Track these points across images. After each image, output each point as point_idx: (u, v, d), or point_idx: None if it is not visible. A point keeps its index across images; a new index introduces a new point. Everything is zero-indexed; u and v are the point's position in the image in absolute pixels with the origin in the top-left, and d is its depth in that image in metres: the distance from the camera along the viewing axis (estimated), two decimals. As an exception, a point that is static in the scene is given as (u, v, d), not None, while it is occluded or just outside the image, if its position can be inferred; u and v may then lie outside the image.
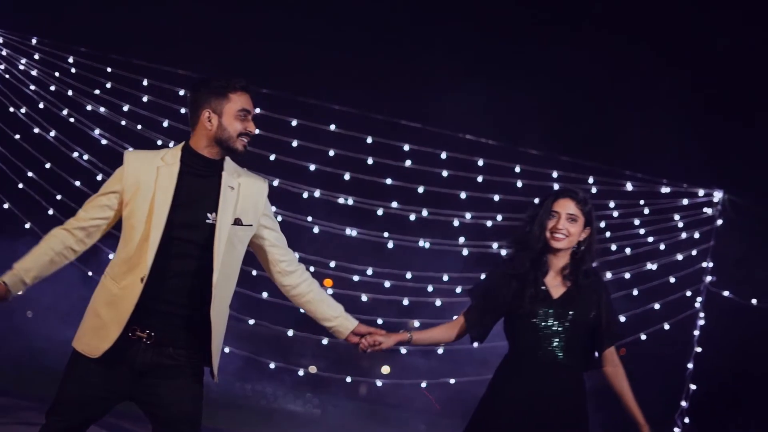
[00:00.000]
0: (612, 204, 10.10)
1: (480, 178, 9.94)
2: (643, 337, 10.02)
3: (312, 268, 9.95)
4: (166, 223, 3.82)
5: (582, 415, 4.41)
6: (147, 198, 3.85)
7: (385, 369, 13.36)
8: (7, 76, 9.78)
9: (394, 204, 9.89)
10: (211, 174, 3.96)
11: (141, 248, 3.82)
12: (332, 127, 9.79)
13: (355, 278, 9.85)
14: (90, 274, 9.65)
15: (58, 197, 9.71)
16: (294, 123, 9.76)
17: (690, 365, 9.80)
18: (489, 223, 9.98)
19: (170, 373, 3.87)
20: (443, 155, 9.94)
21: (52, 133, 9.74)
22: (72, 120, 9.73)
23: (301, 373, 10.24)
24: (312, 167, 9.87)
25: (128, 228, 3.87)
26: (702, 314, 9.91)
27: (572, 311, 4.35)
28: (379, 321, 10.06)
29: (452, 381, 10.13)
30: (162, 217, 3.82)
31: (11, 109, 9.77)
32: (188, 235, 3.87)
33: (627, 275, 10.05)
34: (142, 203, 3.85)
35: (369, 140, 9.88)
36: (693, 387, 9.73)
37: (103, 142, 9.69)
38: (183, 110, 9.57)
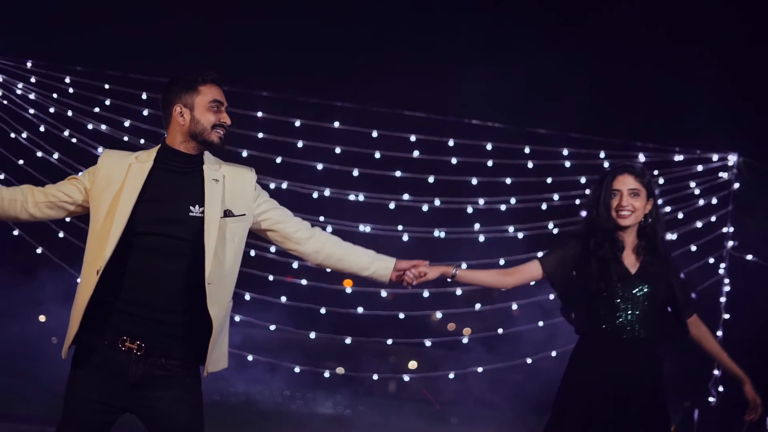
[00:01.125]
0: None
1: (490, 163, 9.83)
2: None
3: (329, 270, 9.82)
4: (134, 219, 3.73)
5: (661, 389, 4.46)
6: (114, 193, 3.78)
7: (413, 364, 13.27)
8: (5, 102, 9.70)
9: (406, 196, 9.78)
10: (191, 169, 3.89)
11: (101, 242, 3.73)
12: (336, 124, 9.70)
13: (372, 275, 9.72)
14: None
15: (68, 219, 9.62)
16: (297, 123, 9.67)
17: (719, 333, 9.65)
18: (503, 207, 9.86)
19: (165, 384, 3.77)
20: (451, 143, 9.84)
21: (56, 155, 9.66)
22: (74, 140, 9.65)
23: (327, 374, 10.15)
24: (319, 166, 9.78)
25: (92, 221, 3.81)
26: (727, 280, 9.77)
27: (648, 286, 4.40)
28: (401, 315, 9.97)
29: (480, 369, 10.02)
30: (125, 211, 3.73)
31: (12, 135, 9.69)
32: (173, 230, 3.78)
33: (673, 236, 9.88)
34: (107, 198, 3.78)
35: (374, 134, 9.77)
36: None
37: (107, 160, 9.57)
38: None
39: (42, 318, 12.46)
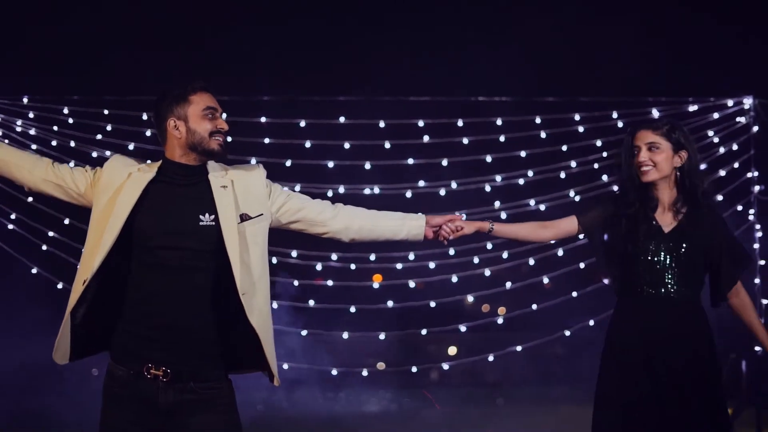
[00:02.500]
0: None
1: (502, 138, 9.66)
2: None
3: (353, 266, 9.73)
4: (131, 232, 3.59)
5: (706, 349, 4.31)
6: (109, 199, 3.66)
7: (452, 350, 13.15)
8: (6, 141, 9.59)
9: (421, 183, 9.63)
10: (195, 181, 3.76)
11: (92, 251, 3.59)
12: (342, 119, 9.55)
13: (399, 266, 9.61)
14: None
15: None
16: (303, 124, 9.54)
17: (757, 280, 9.46)
18: (521, 181, 9.70)
19: (198, 408, 3.62)
20: (460, 123, 9.67)
21: (64, 188, 9.53)
22: (80, 170, 9.52)
23: (365, 373, 10.03)
24: (330, 164, 9.65)
25: (89, 231, 3.68)
26: (758, 226, 9.58)
27: (685, 244, 4.25)
28: (432, 304, 9.84)
29: (519, 348, 9.86)
30: (119, 219, 3.59)
31: (18, 173, 9.56)
32: (187, 243, 3.63)
33: (719, 197, 9.68)
34: (105, 205, 3.66)
35: (381, 124, 9.63)
36: (765, 302, 9.39)
37: (117, 185, 9.47)
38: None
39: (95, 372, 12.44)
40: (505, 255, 9.65)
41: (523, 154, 9.71)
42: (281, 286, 9.54)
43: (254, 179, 3.87)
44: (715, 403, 4.29)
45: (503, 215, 9.65)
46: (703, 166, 9.68)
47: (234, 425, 3.70)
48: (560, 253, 9.66)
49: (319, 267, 9.46)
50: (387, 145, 9.60)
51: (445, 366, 9.91)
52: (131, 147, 9.48)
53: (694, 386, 4.25)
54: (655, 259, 4.27)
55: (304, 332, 9.79)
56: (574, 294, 9.67)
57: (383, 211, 4.09)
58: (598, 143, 9.73)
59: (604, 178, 9.71)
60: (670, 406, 4.24)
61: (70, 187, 3.75)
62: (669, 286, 4.26)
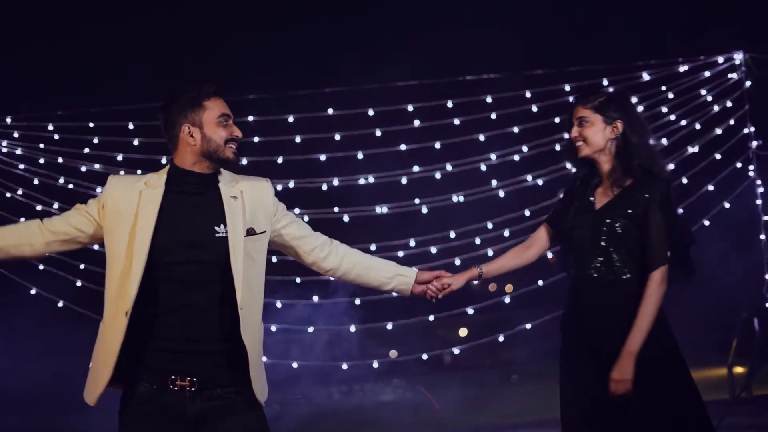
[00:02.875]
0: (634, 99, 9.64)
1: (494, 115, 9.55)
2: (707, 222, 9.59)
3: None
4: (154, 252, 3.50)
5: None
6: (128, 225, 3.54)
7: (463, 331, 13.10)
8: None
9: (416, 168, 9.53)
10: (207, 189, 3.67)
11: (123, 281, 3.49)
12: (330, 111, 9.44)
13: (400, 254, 9.51)
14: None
15: (82, 266, 9.44)
16: (291, 119, 9.43)
17: (762, 236, 9.36)
18: (516, 158, 9.59)
19: (225, 413, 3.55)
20: (449, 104, 9.56)
21: (56, 205, 9.45)
22: (71, 186, 9.44)
23: (375, 365, 9.95)
24: (322, 157, 9.54)
25: (110, 258, 3.57)
26: (759, 181, 9.48)
27: (608, 220, 4.05)
28: (431, 318, 9.80)
29: (528, 326, 9.78)
30: (144, 243, 3.50)
31: (8, 195, 9.49)
32: (200, 255, 3.55)
33: (671, 166, 9.59)
34: (122, 231, 3.54)
35: (371, 112, 9.52)
36: (774, 256, 9.31)
37: (109, 198, 9.38)
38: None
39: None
40: (507, 233, 9.55)
41: (516, 129, 9.60)
42: (282, 284, 9.45)
43: (263, 194, 3.79)
44: (660, 399, 4.04)
45: (501, 193, 9.56)
46: (698, 126, 9.69)
47: (262, 427, 3.66)
48: (552, 245, 9.54)
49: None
50: (378, 133, 9.50)
51: (456, 350, 9.82)
52: (119, 158, 9.38)
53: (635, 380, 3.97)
54: (583, 237, 4.10)
55: (310, 329, 9.71)
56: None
57: (378, 260, 4.08)
58: (591, 112, 9.60)
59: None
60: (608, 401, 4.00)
61: (75, 235, 3.65)
62: (594, 267, 4.06)
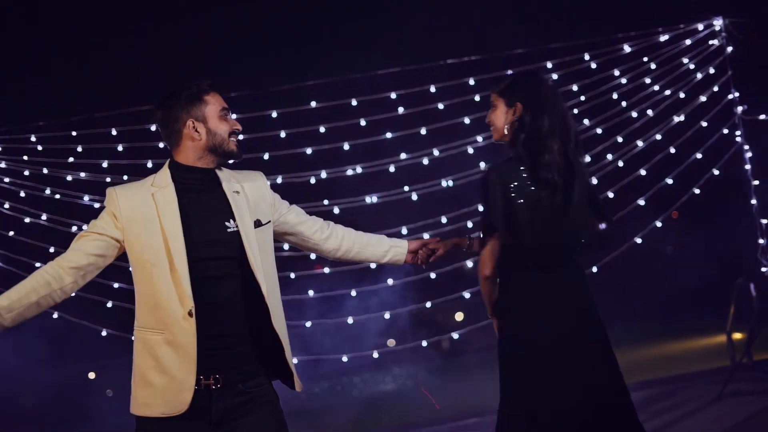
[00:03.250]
0: (617, 72, 9.63)
1: (477, 98, 9.50)
2: (697, 191, 9.59)
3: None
4: (186, 247, 3.50)
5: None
6: (155, 228, 3.53)
7: (459, 315, 13.09)
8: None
9: (403, 155, 9.49)
10: (210, 185, 3.70)
11: (174, 282, 3.48)
12: (313, 104, 9.40)
13: (393, 242, 9.47)
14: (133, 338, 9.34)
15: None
16: (274, 115, 9.38)
17: (753, 201, 9.36)
18: (503, 138, 9.54)
19: (247, 408, 3.56)
20: (432, 89, 9.52)
21: (44, 216, 9.40)
22: (57, 196, 9.38)
23: (376, 355, 9.94)
24: (309, 151, 9.49)
25: (146, 266, 3.53)
26: (747, 146, 9.47)
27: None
28: (433, 275, 9.73)
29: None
30: (179, 241, 3.50)
31: (-5, 210, 9.44)
32: (218, 251, 3.57)
33: (658, 136, 9.61)
34: (151, 236, 3.52)
35: (354, 102, 9.48)
36: (765, 221, 9.30)
37: (96, 205, 9.35)
38: (162, 144, 9.20)
39: (92, 375, 12.43)
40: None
41: (501, 110, 9.55)
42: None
43: (260, 186, 3.84)
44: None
45: (491, 175, 9.52)
46: (682, 95, 9.68)
47: (282, 423, 3.67)
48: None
49: (313, 256, 9.34)
50: (363, 122, 9.46)
51: (455, 335, 9.80)
52: (105, 164, 9.32)
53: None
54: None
55: (308, 323, 9.68)
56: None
57: (372, 236, 4.21)
58: (574, 87, 9.61)
59: (586, 122, 9.59)
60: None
61: (99, 262, 3.59)
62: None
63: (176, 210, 3.55)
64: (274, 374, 3.70)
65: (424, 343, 9.89)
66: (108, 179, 9.27)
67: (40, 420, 10.47)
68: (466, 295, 9.47)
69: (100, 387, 12.55)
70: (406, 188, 9.52)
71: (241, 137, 3.86)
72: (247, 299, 3.57)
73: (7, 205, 9.42)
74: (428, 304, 9.71)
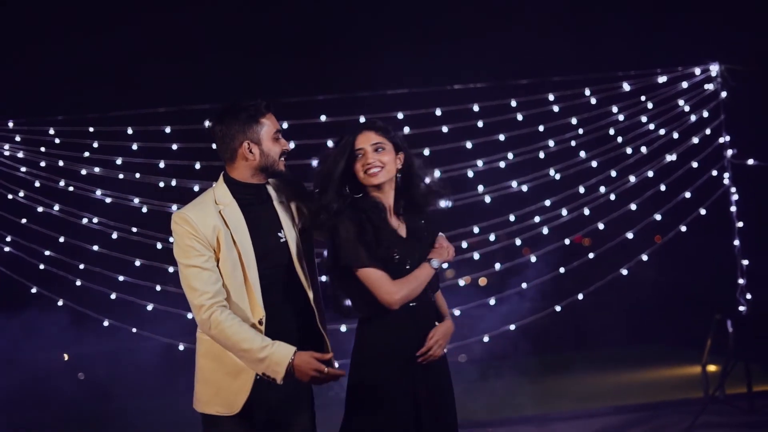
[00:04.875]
0: (615, 108, 10.01)
1: (480, 123, 9.86)
2: (683, 228, 9.97)
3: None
4: (256, 258, 3.82)
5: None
6: (230, 243, 3.80)
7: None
8: (-8, 173, 9.74)
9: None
10: (262, 198, 3.98)
11: (247, 292, 3.80)
12: (323, 118, 9.70)
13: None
14: (134, 330, 9.68)
15: (81, 266, 9.69)
16: (285, 126, 9.67)
17: (736, 242, 9.75)
18: (502, 164, 9.92)
19: (300, 408, 3.97)
20: (438, 112, 9.86)
21: (56, 207, 9.69)
22: (71, 189, 9.67)
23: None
24: (314, 163, 9.74)
25: (226, 279, 3.83)
26: (734, 189, 9.85)
27: (427, 247, 4.13)
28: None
29: (512, 327, 10.12)
30: (250, 254, 3.81)
31: (10, 196, 9.72)
32: (274, 261, 3.89)
33: (650, 173, 9.99)
34: (228, 250, 3.80)
35: (362, 119, 9.77)
36: (745, 262, 9.69)
37: (108, 200, 9.65)
38: (175, 146, 9.52)
39: (81, 375, 12.62)
40: (492, 237, 9.89)
41: (501, 137, 9.92)
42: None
43: (301, 193, 4.12)
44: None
45: (487, 199, 9.88)
46: (676, 135, 10.06)
47: (314, 423, 4.05)
48: (545, 231, 9.92)
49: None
50: (370, 140, 9.71)
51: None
52: (119, 161, 9.61)
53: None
54: (409, 267, 4.05)
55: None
56: (562, 270, 9.94)
57: None
58: (573, 121, 9.96)
59: (582, 154, 9.96)
60: None
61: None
62: (425, 292, 4.09)
63: (244, 225, 3.84)
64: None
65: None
66: (121, 176, 9.58)
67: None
68: (457, 312, 9.81)
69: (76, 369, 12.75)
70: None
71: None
72: (296, 303, 3.90)
73: (21, 194, 9.71)
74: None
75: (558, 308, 9.95)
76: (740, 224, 9.77)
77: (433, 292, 4.19)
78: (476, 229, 9.89)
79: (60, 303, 9.61)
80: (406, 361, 3.99)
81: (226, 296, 3.80)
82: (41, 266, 9.70)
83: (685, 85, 10.04)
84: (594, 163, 9.98)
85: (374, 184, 4.05)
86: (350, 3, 11.54)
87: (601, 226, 9.91)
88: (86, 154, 9.64)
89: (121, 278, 9.56)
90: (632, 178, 9.94)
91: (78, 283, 9.66)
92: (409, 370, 3.99)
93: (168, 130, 9.51)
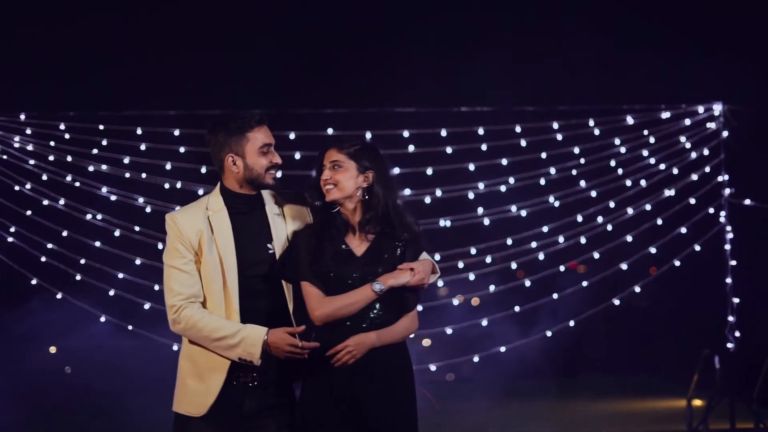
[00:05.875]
0: (617, 141, 10.16)
1: (484, 147, 9.99)
2: (677, 263, 10.10)
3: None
4: (237, 265, 3.89)
5: (401, 387, 4.00)
6: (212, 248, 3.90)
7: (426, 341, 13.38)
8: (5, 156, 9.86)
9: (407, 191, 9.92)
10: (256, 208, 4.01)
11: (225, 296, 3.88)
12: (330, 131, 9.84)
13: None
14: (130, 328, 9.80)
15: (82, 261, 9.81)
16: (292, 136, 9.79)
17: (728, 280, 9.88)
18: (503, 188, 10.05)
19: (275, 412, 3.93)
20: (443, 132, 10.00)
21: (62, 201, 9.83)
22: (77, 184, 9.81)
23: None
24: (314, 173, 9.86)
25: (205, 282, 3.92)
26: (729, 228, 9.98)
27: (381, 269, 3.98)
28: (420, 308, 10.13)
29: (503, 349, 10.24)
30: (232, 261, 3.89)
31: (16, 188, 9.85)
32: (260, 270, 3.94)
33: (648, 207, 10.13)
34: (209, 255, 3.90)
35: (368, 135, 9.91)
36: (736, 300, 9.82)
37: (113, 198, 9.79)
38: (182, 149, 9.67)
39: (68, 369, 12.70)
40: (488, 259, 10.03)
41: (504, 161, 10.06)
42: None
43: (300, 208, 4.12)
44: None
45: (486, 221, 10.02)
46: (675, 171, 10.21)
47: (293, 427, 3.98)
48: (541, 256, 10.04)
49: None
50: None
51: (433, 367, 10.22)
52: (126, 160, 9.75)
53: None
54: (353, 286, 3.93)
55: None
56: (555, 296, 10.07)
57: None
58: (576, 150, 10.10)
59: (582, 184, 10.10)
60: None
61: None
62: (368, 316, 3.93)
63: (230, 233, 3.92)
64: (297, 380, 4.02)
65: (433, 367, 10.24)
66: (127, 174, 9.73)
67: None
68: (449, 331, 9.96)
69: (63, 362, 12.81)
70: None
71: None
72: (274, 314, 3.93)
73: (28, 186, 9.85)
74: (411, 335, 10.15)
75: (549, 333, 10.08)
76: (733, 262, 9.90)
77: (391, 314, 3.99)
78: (473, 250, 10.02)
79: (59, 296, 9.72)
80: (330, 375, 3.96)
81: (203, 300, 3.89)
82: (43, 258, 9.81)
83: (687, 122, 10.19)
84: (593, 193, 10.13)
85: (327, 200, 4.03)
86: (367, 20, 11.69)
87: (596, 255, 10.04)
88: (95, 151, 9.77)
89: (120, 276, 9.69)
90: (630, 210, 10.09)
91: (78, 277, 9.78)
92: (335, 386, 3.93)
93: (177, 132, 9.66)
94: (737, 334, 9.72)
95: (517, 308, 10.10)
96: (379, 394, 3.92)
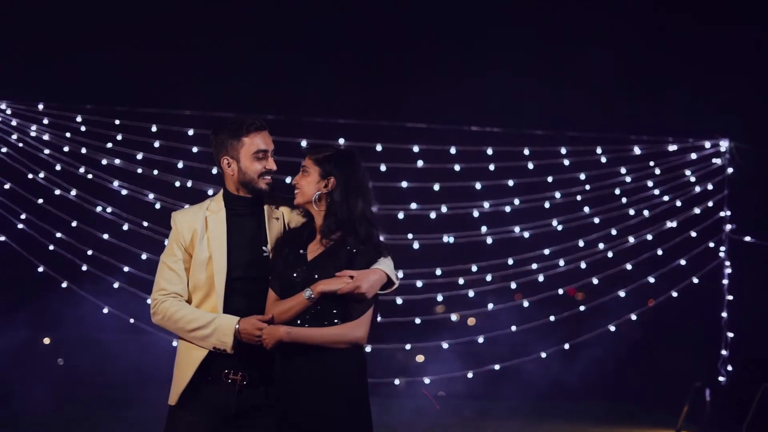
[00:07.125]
0: (623, 170, 10.29)
1: (492, 167, 10.11)
2: (674, 294, 10.21)
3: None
4: (228, 267, 3.98)
5: (341, 402, 3.91)
6: (203, 246, 4.01)
7: (420, 358, 13.45)
8: (21, 144, 10.01)
9: (413, 205, 10.06)
10: (255, 210, 4.10)
11: (209, 295, 3.99)
12: (341, 141, 9.97)
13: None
14: (132, 321, 9.91)
15: (89, 252, 9.94)
16: (304, 143, 9.91)
17: (724, 314, 9.98)
18: (508, 209, 10.18)
19: (262, 412, 3.99)
20: (452, 150, 10.12)
21: (73, 192, 9.96)
22: (90, 176, 9.95)
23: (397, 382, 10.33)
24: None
25: (192, 279, 4.04)
26: (728, 263, 10.11)
27: (317, 275, 3.92)
28: (417, 320, 10.27)
29: (497, 367, 10.34)
30: (222, 261, 3.98)
31: (30, 176, 9.99)
32: (253, 272, 4.02)
33: (649, 237, 10.25)
34: (200, 254, 4.01)
35: (378, 147, 10.04)
36: (730, 335, 9.92)
37: (124, 192, 9.93)
38: (195, 149, 9.80)
39: (47, 340, 12.79)
40: (488, 278, 10.14)
41: (510, 182, 10.19)
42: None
43: (299, 217, 4.14)
44: None
45: (489, 240, 10.14)
46: (678, 203, 10.33)
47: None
48: (541, 278, 10.16)
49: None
50: (383, 167, 9.99)
51: (427, 380, 10.31)
52: (139, 156, 9.88)
53: None
54: (295, 290, 3.93)
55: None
56: (552, 318, 10.18)
57: None
58: (582, 176, 10.23)
59: (586, 209, 10.23)
60: None
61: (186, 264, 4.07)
62: (311, 322, 3.90)
63: (224, 234, 4.01)
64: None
65: (397, 381, 10.33)
66: (139, 170, 9.86)
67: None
68: (445, 345, 10.06)
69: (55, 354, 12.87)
70: (410, 236, 10.02)
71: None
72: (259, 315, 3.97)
73: (42, 175, 9.99)
74: (408, 346, 10.27)
75: (543, 355, 10.19)
76: (730, 297, 10.01)
77: (321, 323, 3.92)
78: (474, 268, 10.13)
79: (64, 285, 9.84)
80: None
81: (188, 298, 4.00)
82: (51, 246, 9.94)
83: (693, 156, 10.32)
84: (596, 220, 10.25)
85: (295, 203, 4.07)
86: (387, 35, 11.84)
87: (595, 281, 10.16)
88: (109, 145, 9.90)
89: (126, 269, 9.82)
90: (631, 239, 10.20)
91: (84, 268, 9.91)
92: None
93: (191, 132, 9.79)
94: (729, 368, 9.82)
95: (513, 328, 10.21)
96: (303, 412, 3.88)
